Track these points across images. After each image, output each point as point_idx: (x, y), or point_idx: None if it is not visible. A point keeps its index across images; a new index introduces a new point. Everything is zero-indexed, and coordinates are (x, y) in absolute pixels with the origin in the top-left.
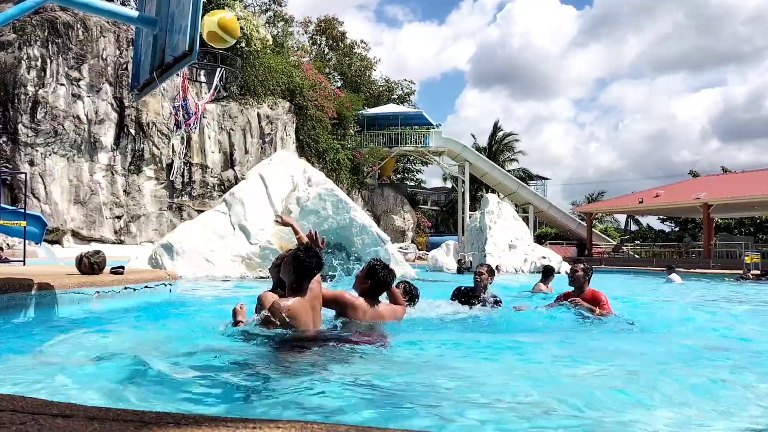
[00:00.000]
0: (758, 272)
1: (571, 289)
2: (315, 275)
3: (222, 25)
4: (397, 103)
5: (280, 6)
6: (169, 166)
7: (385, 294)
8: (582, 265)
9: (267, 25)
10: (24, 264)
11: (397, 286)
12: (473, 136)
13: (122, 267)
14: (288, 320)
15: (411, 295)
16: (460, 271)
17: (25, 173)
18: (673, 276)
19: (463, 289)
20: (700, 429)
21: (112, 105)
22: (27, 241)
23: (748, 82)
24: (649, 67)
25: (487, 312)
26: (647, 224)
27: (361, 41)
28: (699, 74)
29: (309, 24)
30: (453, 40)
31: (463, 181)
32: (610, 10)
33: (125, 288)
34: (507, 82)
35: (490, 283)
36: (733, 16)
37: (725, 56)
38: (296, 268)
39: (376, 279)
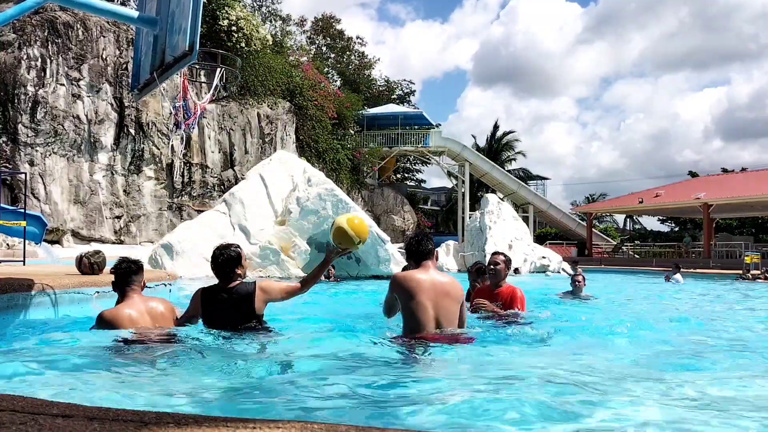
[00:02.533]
0: (758, 272)
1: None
2: (130, 278)
3: (352, 227)
4: (397, 103)
5: (273, 3)
6: (169, 166)
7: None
8: (503, 257)
9: (263, 23)
10: (24, 264)
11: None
12: (473, 137)
13: None
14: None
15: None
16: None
17: (25, 173)
18: (678, 276)
19: None
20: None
21: (112, 105)
22: (27, 241)
23: (752, 81)
24: (652, 65)
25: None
26: (644, 227)
27: (357, 37)
28: (703, 73)
29: (305, 22)
30: (456, 39)
31: (463, 181)
32: (614, 7)
33: None
34: (509, 81)
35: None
36: (738, 13)
37: (729, 54)
38: (114, 278)
39: (408, 250)
